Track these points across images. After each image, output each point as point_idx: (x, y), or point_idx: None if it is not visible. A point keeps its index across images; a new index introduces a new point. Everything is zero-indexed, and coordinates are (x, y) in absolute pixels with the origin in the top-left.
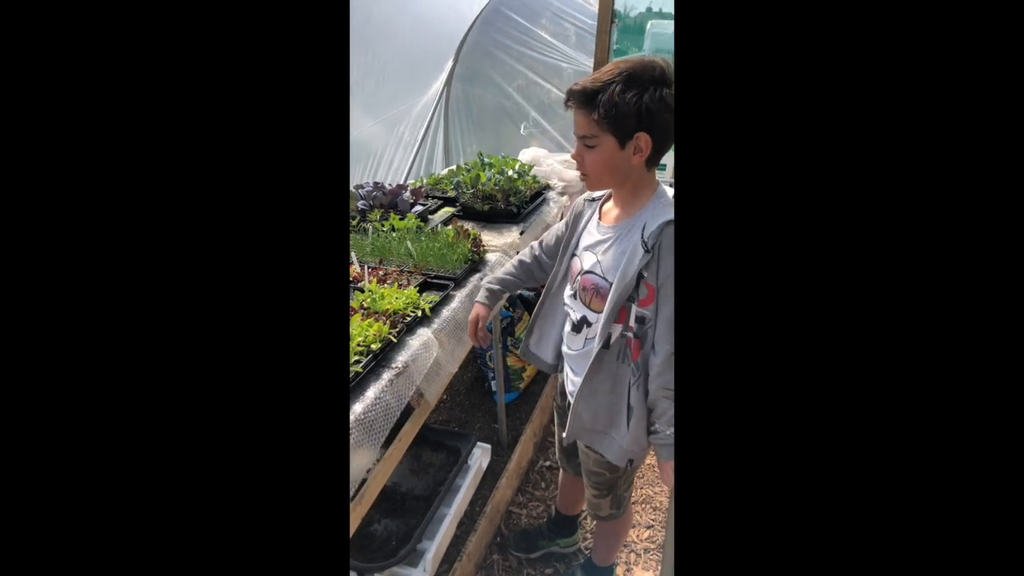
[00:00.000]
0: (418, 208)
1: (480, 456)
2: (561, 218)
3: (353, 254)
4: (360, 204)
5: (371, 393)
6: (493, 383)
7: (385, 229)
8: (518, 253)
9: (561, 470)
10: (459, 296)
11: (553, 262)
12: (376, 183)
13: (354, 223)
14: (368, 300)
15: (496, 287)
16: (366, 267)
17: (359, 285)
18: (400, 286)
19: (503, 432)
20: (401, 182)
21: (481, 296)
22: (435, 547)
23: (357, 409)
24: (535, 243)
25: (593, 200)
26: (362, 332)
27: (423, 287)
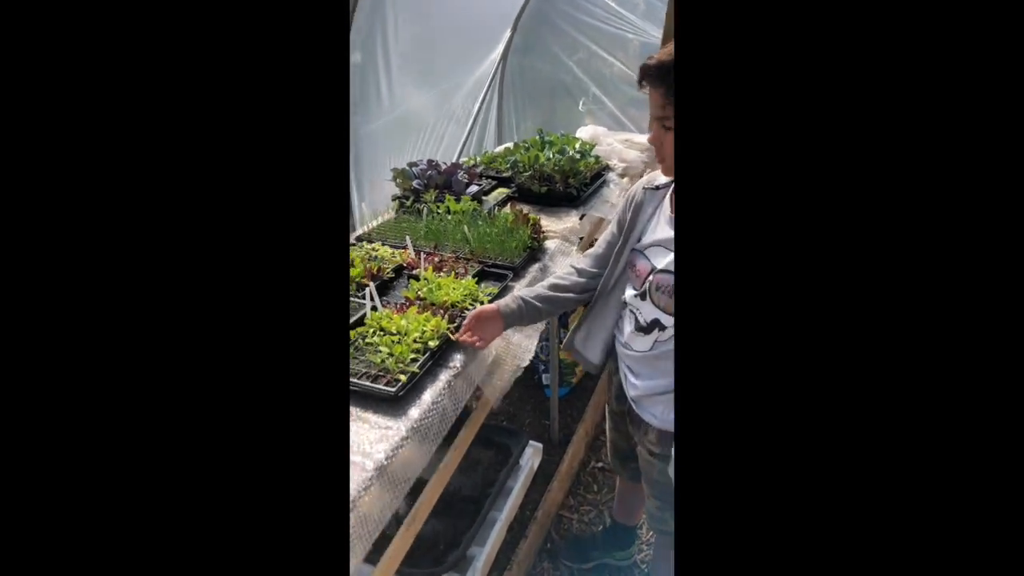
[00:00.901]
0: (473, 189)
1: (531, 456)
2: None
3: (408, 238)
4: (415, 183)
5: (428, 397)
6: (544, 376)
7: (440, 211)
8: (575, 247)
9: (618, 476)
10: (518, 287)
11: (599, 280)
12: (430, 161)
13: (408, 203)
14: (424, 290)
15: (519, 306)
16: (421, 253)
17: (414, 272)
18: (457, 275)
19: (555, 430)
20: (454, 160)
21: (506, 301)
22: (485, 554)
23: (414, 415)
24: (575, 263)
25: (656, 189)
26: (419, 327)
27: (480, 276)
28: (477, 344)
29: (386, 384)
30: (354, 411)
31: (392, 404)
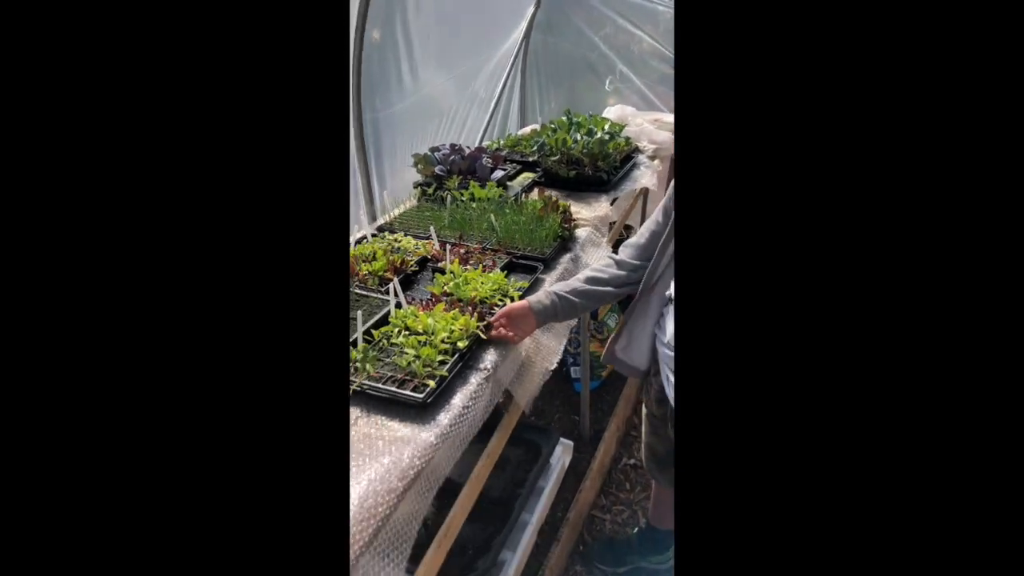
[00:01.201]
0: (498, 174)
1: (562, 454)
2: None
3: (432, 229)
4: (437, 169)
5: (458, 400)
6: (573, 369)
7: (464, 198)
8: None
9: (654, 481)
10: (549, 280)
11: (640, 273)
12: (453, 145)
13: (430, 190)
14: (451, 285)
15: (552, 302)
16: (446, 244)
17: (439, 265)
18: (484, 267)
19: (585, 426)
20: (477, 144)
21: (538, 297)
22: (517, 559)
23: (443, 421)
24: (613, 254)
25: None
26: (447, 326)
27: (508, 268)
28: (511, 337)
29: (413, 390)
30: (379, 419)
31: (420, 411)
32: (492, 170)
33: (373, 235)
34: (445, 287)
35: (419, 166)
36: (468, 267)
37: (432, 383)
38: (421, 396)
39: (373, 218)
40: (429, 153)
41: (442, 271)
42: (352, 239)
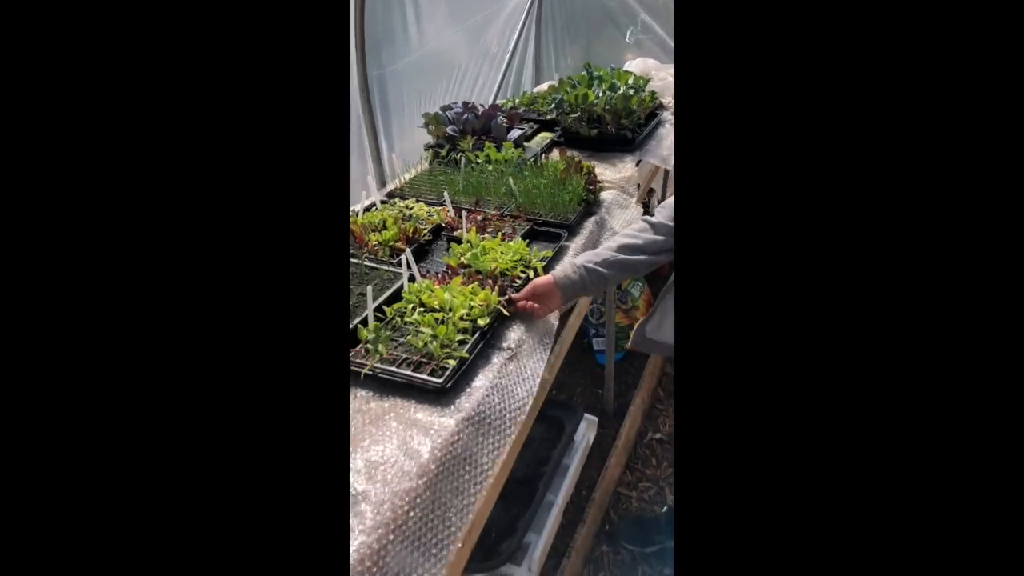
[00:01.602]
0: (515, 134)
1: (586, 431)
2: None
3: (445, 194)
4: (449, 129)
5: (480, 383)
6: (596, 341)
7: (480, 161)
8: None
9: None
10: (573, 249)
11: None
12: (466, 104)
13: (443, 152)
14: (468, 255)
15: (580, 276)
16: (461, 210)
17: (454, 234)
18: (503, 236)
19: (609, 400)
20: (492, 101)
21: (564, 270)
22: (543, 541)
23: (465, 406)
24: (647, 217)
25: None
26: (466, 302)
27: (529, 236)
28: (536, 310)
29: (430, 373)
30: (395, 403)
31: (438, 396)
32: (508, 130)
33: (382, 202)
34: (462, 258)
35: (430, 126)
36: (486, 235)
37: (453, 363)
38: (440, 381)
39: (382, 183)
40: (440, 112)
41: (458, 240)
42: (359, 206)
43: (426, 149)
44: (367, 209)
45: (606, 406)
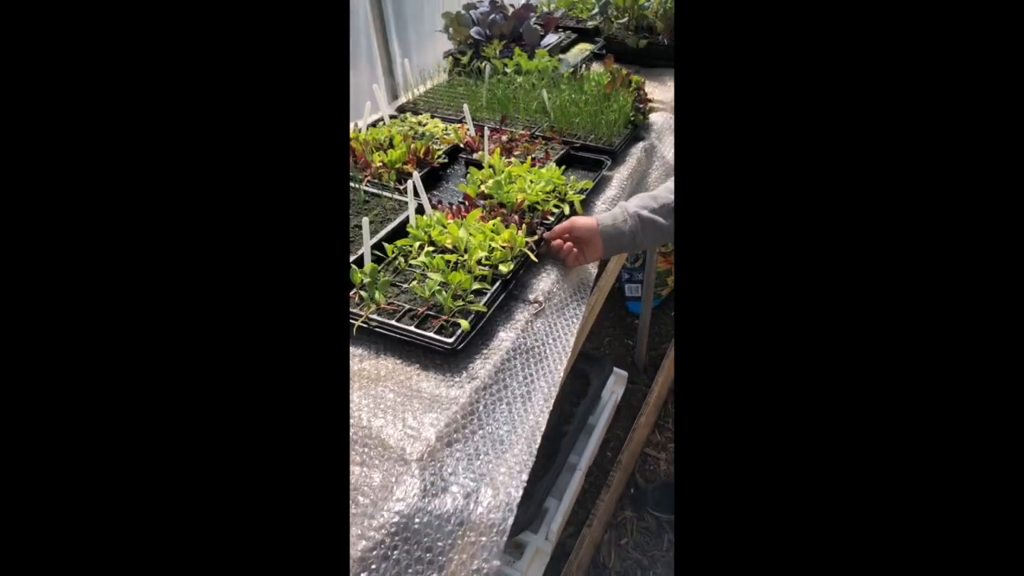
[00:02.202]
0: (550, 39)
1: (614, 386)
2: None
3: (465, 108)
4: (473, 32)
5: (500, 343)
6: (629, 287)
7: (509, 70)
8: None
9: None
10: (617, 180)
11: None
12: (494, 2)
13: (464, 60)
14: (491, 184)
15: (631, 226)
16: (484, 128)
17: (474, 157)
18: (534, 161)
19: (642, 352)
20: (524, 1)
21: (613, 217)
22: (563, 507)
23: (480, 372)
24: None
25: None
26: (486, 242)
27: (564, 162)
28: (569, 258)
29: (439, 331)
30: (394, 366)
31: (448, 360)
32: (542, 36)
33: (392, 117)
34: (482, 186)
35: (451, 29)
36: (512, 159)
37: (466, 324)
38: (451, 341)
39: (394, 96)
40: (463, 12)
41: (478, 164)
42: (362, 121)
43: (446, 57)
44: (373, 125)
45: (637, 359)
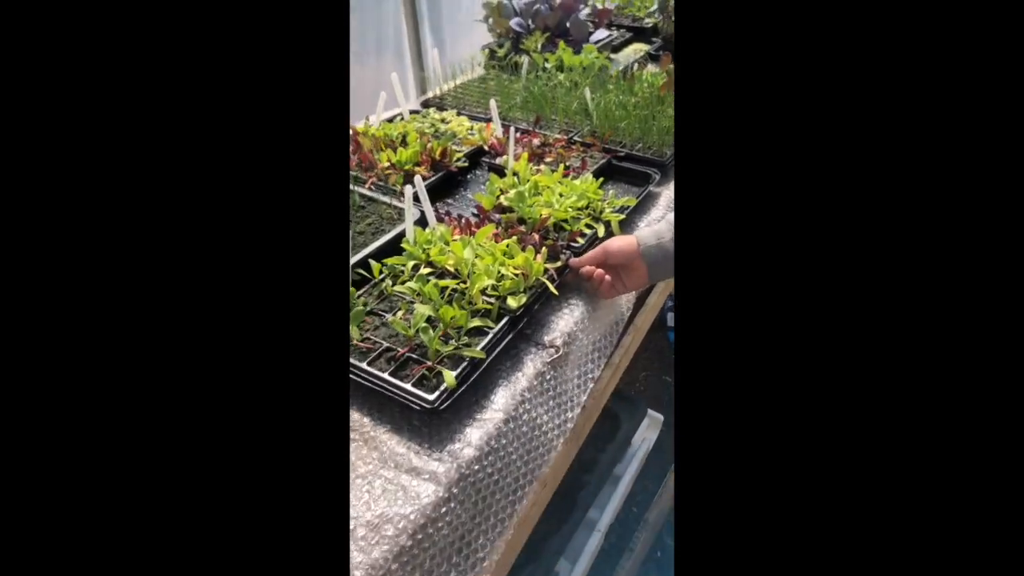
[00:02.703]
0: (600, 35)
1: (647, 431)
2: None
3: (493, 104)
4: (513, 23)
5: (500, 401)
6: (671, 316)
7: (549, 66)
8: None
9: None
10: (666, 199)
11: None
12: None
13: (500, 52)
14: (512, 194)
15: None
16: (512, 128)
17: (497, 161)
18: (568, 170)
19: None
20: None
21: (657, 234)
22: (578, 571)
23: (473, 438)
24: None
25: None
26: (494, 266)
27: (604, 174)
28: (601, 286)
29: (419, 382)
30: (360, 421)
31: (429, 420)
32: (592, 31)
33: (413, 112)
34: (502, 197)
35: (491, 19)
36: (542, 167)
37: (450, 379)
38: (431, 398)
39: (423, 90)
40: (505, 2)
41: (501, 171)
42: (375, 115)
43: (483, 50)
44: (390, 120)
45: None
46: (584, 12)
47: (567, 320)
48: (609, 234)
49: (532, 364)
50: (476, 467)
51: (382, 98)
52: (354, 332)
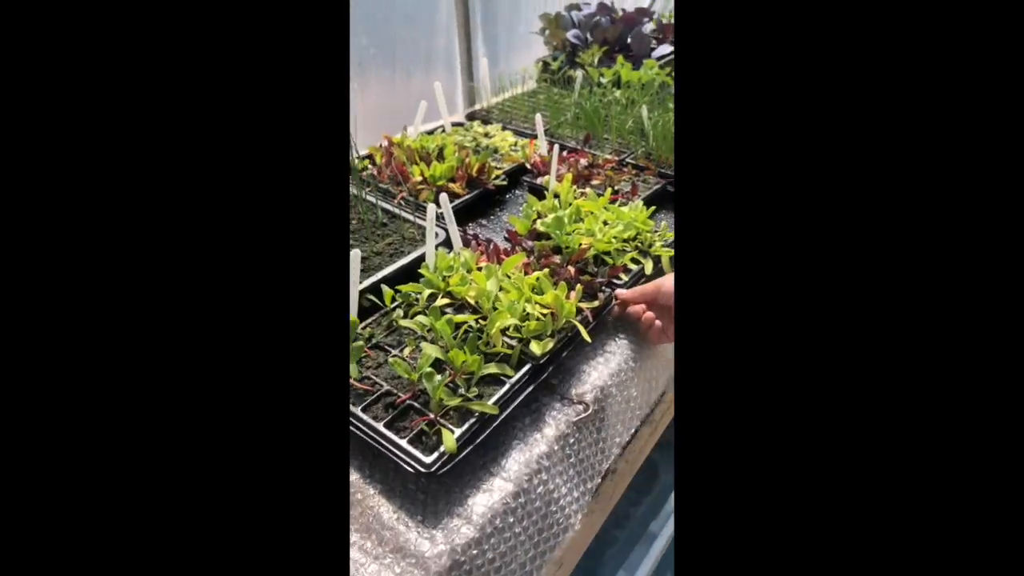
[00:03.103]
0: (663, 50)
1: None
2: None
3: (538, 119)
4: (570, 35)
5: (512, 467)
6: None
7: (605, 81)
8: None
9: None
10: None
11: None
12: (602, 4)
13: (554, 65)
14: (550, 219)
15: None
16: (556, 146)
17: (538, 181)
18: (616, 194)
19: None
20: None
21: None
22: None
23: (475, 513)
24: None
25: None
26: (519, 301)
27: (657, 201)
28: (649, 330)
29: (416, 439)
30: (351, 477)
31: (426, 486)
32: (656, 46)
33: (456, 124)
34: (538, 222)
35: (547, 31)
36: (587, 190)
37: (450, 442)
38: (429, 462)
39: (471, 103)
40: (563, 13)
41: (541, 192)
42: (413, 127)
43: (536, 64)
44: (431, 133)
45: None
46: (648, 26)
47: (600, 372)
48: (658, 271)
49: (555, 423)
50: (474, 551)
51: (422, 107)
52: (352, 370)
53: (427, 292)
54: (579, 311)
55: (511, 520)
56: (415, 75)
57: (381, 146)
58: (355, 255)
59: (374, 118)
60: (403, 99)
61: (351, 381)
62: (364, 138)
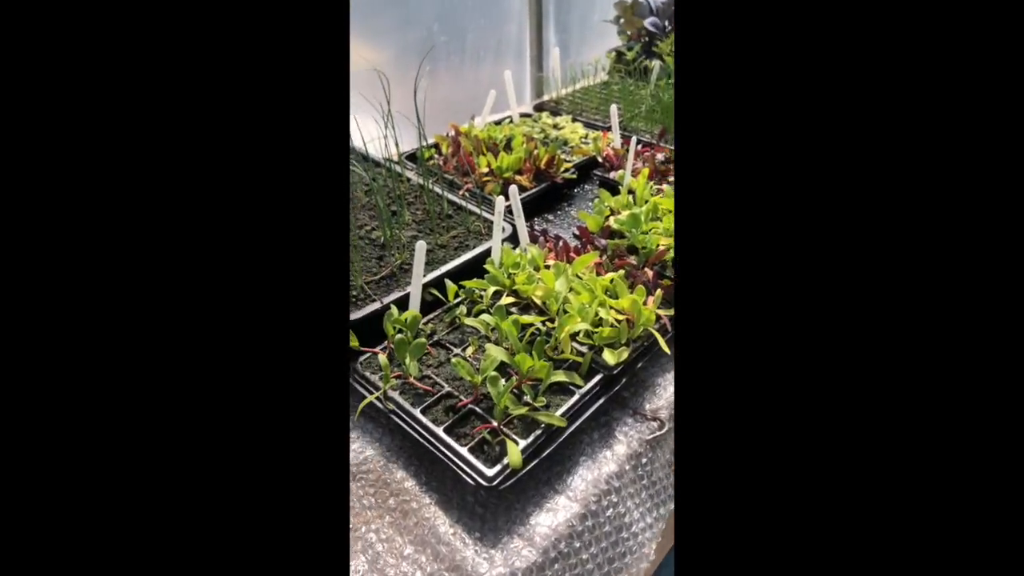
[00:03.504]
0: None
1: None
2: None
3: (613, 111)
4: (648, 23)
5: (578, 485)
6: None
7: None
8: None
9: None
10: None
11: None
12: None
13: (629, 55)
14: (624, 217)
15: None
16: (633, 139)
17: (611, 176)
18: None
19: None
20: None
21: None
22: None
23: (536, 535)
24: None
25: None
26: (592, 304)
27: None
28: None
29: (478, 448)
30: (401, 485)
31: (485, 499)
32: None
33: (524, 115)
34: (612, 219)
35: (622, 20)
36: (664, 187)
37: (515, 455)
38: (491, 475)
39: (539, 94)
40: (640, 0)
41: (615, 187)
42: (481, 117)
43: (609, 54)
44: (498, 123)
45: None
46: None
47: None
48: None
49: (626, 440)
50: (532, 566)
51: (491, 97)
52: (411, 367)
53: (492, 289)
54: (657, 318)
55: (577, 545)
56: (484, 63)
57: (448, 135)
58: (420, 246)
59: (442, 106)
60: (471, 87)
61: (412, 379)
62: (431, 127)
